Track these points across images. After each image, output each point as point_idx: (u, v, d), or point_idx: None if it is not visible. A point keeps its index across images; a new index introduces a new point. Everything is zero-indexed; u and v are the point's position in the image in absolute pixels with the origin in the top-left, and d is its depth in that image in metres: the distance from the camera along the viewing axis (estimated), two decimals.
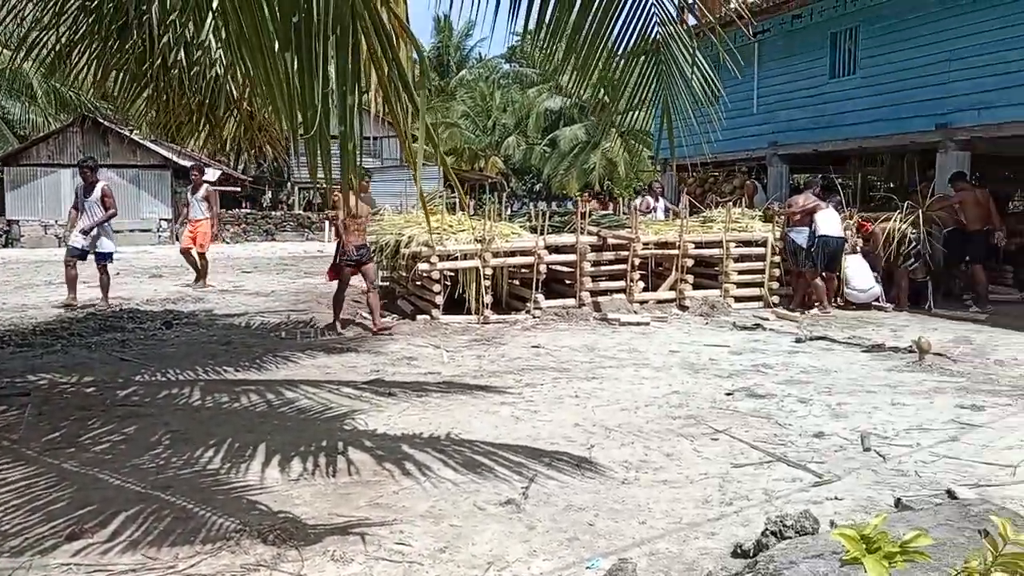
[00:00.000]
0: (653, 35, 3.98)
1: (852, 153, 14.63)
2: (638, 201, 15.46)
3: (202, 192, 12.96)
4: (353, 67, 2.83)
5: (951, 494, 3.94)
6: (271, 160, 27.67)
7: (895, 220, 10.83)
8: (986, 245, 11.21)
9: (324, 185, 6.15)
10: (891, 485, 4.23)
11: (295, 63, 2.76)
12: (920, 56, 11.93)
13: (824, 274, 10.57)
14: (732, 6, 17.62)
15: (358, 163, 2.78)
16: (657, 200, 14.91)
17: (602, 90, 4.31)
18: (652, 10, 3.82)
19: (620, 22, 3.96)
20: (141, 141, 25.06)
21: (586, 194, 21.79)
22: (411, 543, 3.44)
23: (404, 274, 10.31)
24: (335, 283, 9.21)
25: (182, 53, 4.95)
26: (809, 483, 4.27)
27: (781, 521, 3.18)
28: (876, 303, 10.83)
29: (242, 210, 30.54)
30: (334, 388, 6.28)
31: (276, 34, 2.81)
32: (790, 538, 2.87)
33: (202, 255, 12.87)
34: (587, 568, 3.20)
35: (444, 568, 3.22)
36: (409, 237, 9.82)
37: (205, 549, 3.36)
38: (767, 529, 3.18)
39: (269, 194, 36.54)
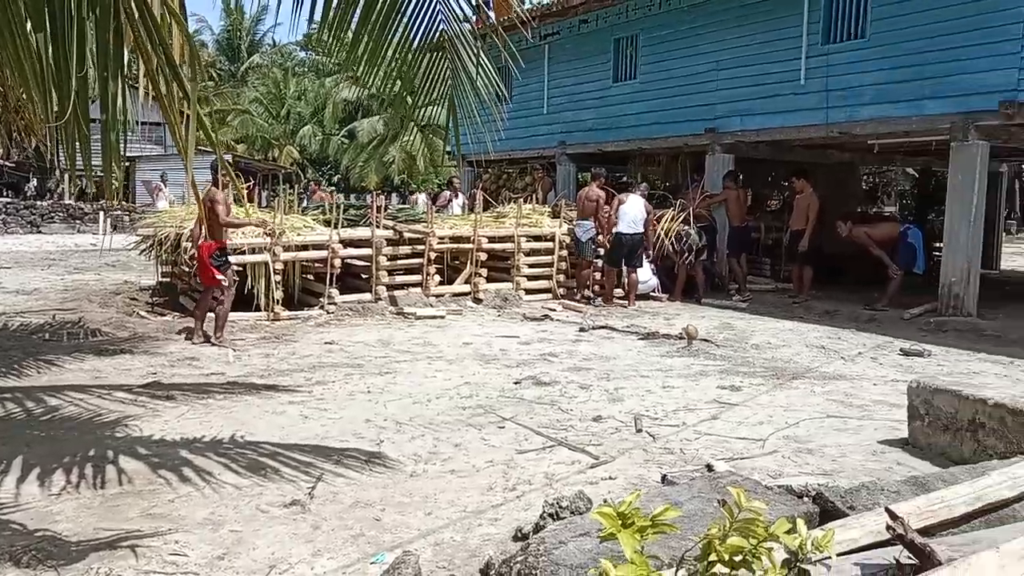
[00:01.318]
0: (439, 32, 4.03)
1: (633, 153, 15.58)
2: (422, 197, 15.65)
3: None
4: (116, 50, 2.65)
5: (709, 468, 4.34)
6: (35, 145, 25.11)
7: (667, 219, 11.68)
8: (747, 239, 12.39)
9: (100, 175, 5.57)
10: (659, 463, 4.58)
11: (49, 46, 2.54)
12: (691, 65, 12.93)
13: (624, 268, 11.16)
14: (525, 6, 18.17)
15: (121, 152, 2.61)
16: (456, 195, 15.13)
17: (393, 83, 4.29)
18: (438, 8, 3.88)
19: (406, 18, 3.98)
20: None
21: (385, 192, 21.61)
22: (187, 552, 3.30)
23: (187, 269, 9.75)
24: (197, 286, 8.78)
25: None
26: (587, 465, 4.54)
27: (557, 503, 3.36)
28: (653, 294, 11.63)
29: (1, 199, 27.50)
30: (105, 393, 5.84)
31: (27, 11, 2.58)
32: (565, 519, 3.04)
33: None
34: (372, 563, 3.22)
35: (222, 575, 3.11)
36: (191, 230, 9.28)
37: None
38: (544, 512, 3.35)
39: (34, 182, 33.14)
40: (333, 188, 34.20)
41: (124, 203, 27.22)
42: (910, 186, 25.65)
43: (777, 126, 11.77)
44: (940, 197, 10.64)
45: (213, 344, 7.90)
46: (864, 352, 8.02)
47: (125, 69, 2.83)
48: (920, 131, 10.34)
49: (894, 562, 2.35)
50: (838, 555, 2.33)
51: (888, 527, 2.30)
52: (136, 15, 2.71)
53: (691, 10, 12.93)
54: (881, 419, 5.53)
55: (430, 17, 4.08)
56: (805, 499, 3.05)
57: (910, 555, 2.33)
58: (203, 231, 7.98)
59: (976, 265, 9.81)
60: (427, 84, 4.43)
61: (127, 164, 27.17)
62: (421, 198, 21.14)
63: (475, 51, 4.26)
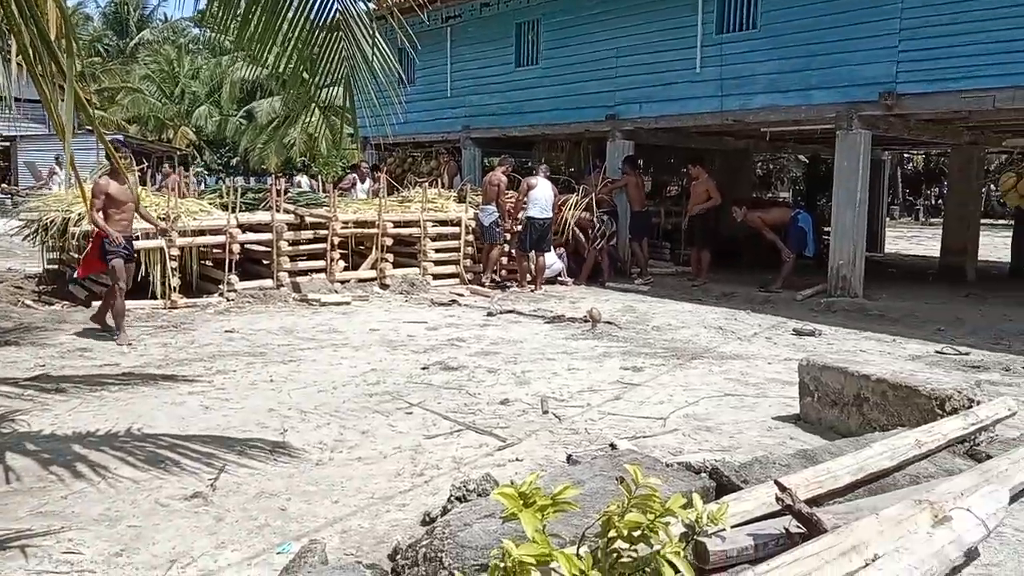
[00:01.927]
0: (333, 11, 3.96)
1: (537, 138, 15.69)
2: (304, 180, 15.38)
3: None
4: None
5: (613, 446, 4.46)
6: None
7: (571, 204, 11.84)
8: (648, 224, 12.70)
9: None
10: (565, 443, 4.68)
11: None
12: (592, 52, 13.08)
13: (533, 252, 11.24)
14: None
15: None
16: (363, 180, 14.91)
17: (289, 63, 4.18)
18: None
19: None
20: None
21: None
22: (82, 550, 3.18)
23: (76, 256, 9.29)
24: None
25: None
26: (495, 448, 4.59)
27: (464, 486, 3.40)
28: (559, 278, 11.80)
29: None
30: None
31: None
32: (471, 501, 3.08)
33: None
34: (277, 553, 3.18)
35: (120, 572, 3.02)
36: (79, 214, 8.87)
37: None
38: (452, 495, 3.38)
39: None
40: (196, 169, 32.96)
41: (5, 186, 25.67)
42: (801, 173, 26.76)
43: (675, 113, 12.06)
44: (830, 183, 11.15)
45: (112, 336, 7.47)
46: (759, 332, 8.36)
47: None
48: (808, 119, 10.80)
49: (784, 531, 2.49)
50: (732, 527, 2.46)
51: (777, 498, 2.43)
52: None
53: None
54: (775, 396, 5.79)
55: None
56: (702, 474, 3.18)
57: (798, 524, 2.47)
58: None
59: (861, 248, 10.33)
60: (324, 64, 4.35)
61: (6, 144, 25.58)
62: (304, 180, 20.68)
63: (370, 31, 4.20)
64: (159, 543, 3.27)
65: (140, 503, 3.65)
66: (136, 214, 7.78)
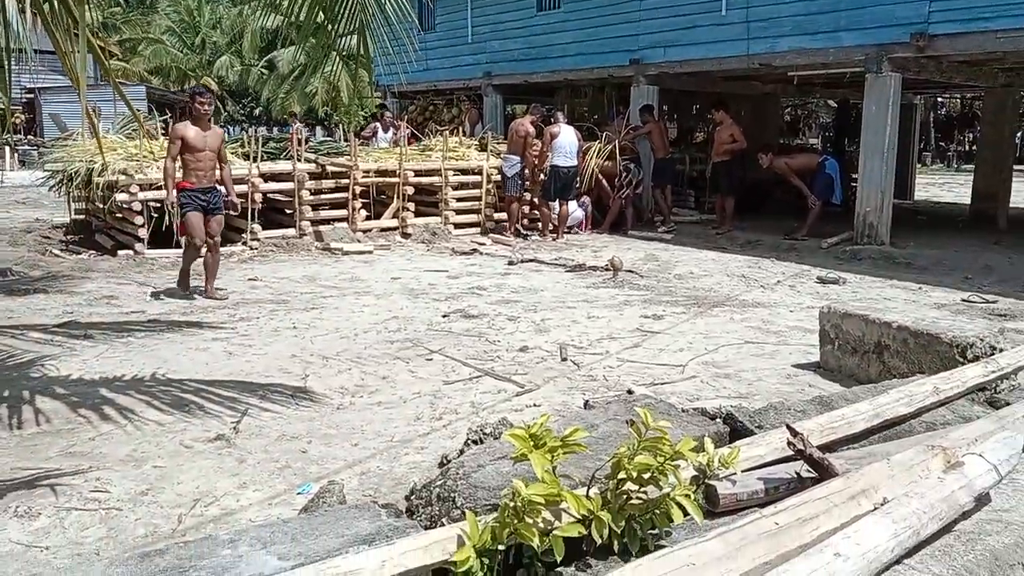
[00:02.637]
0: None
1: (559, 85, 15.48)
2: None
3: None
4: None
5: (630, 392, 4.48)
6: None
7: (594, 152, 11.72)
8: (672, 171, 12.55)
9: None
10: (583, 389, 4.71)
11: None
12: None
13: (557, 201, 11.17)
14: None
15: (8, 79, 2.48)
16: (386, 129, 14.81)
17: (304, 11, 4.14)
18: None
19: None
20: None
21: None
22: (109, 489, 3.28)
23: (101, 205, 9.40)
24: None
25: None
26: (513, 393, 4.63)
27: (481, 430, 3.44)
28: (576, 229, 11.73)
29: None
30: (18, 333, 5.67)
31: None
32: (486, 443, 3.11)
33: None
34: (298, 494, 3.25)
35: (146, 510, 3.11)
36: (103, 164, 8.93)
37: None
38: (468, 439, 3.42)
39: None
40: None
41: (32, 137, 25.88)
42: (830, 119, 26.22)
43: (700, 57, 11.81)
44: (859, 129, 10.91)
45: (206, 295, 7.09)
46: (783, 280, 8.30)
47: None
48: (836, 63, 10.53)
49: (795, 475, 2.50)
50: (744, 471, 2.47)
51: (789, 443, 2.43)
52: None
53: None
54: (796, 344, 5.77)
55: None
56: (717, 420, 3.19)
57: (810, 468, 2.48)
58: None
59: (889, 195, 10.16)
60: (341, 11, 4.29)
61: (30, 96, 25.71)
62: (317, 131, 20.49)
63: None
64: (183, 483, 3.35)
65: (165, 445, 3.74)
66: (218, 170, 7.15)
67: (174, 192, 6.89)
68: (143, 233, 8.99)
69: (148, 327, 6.03)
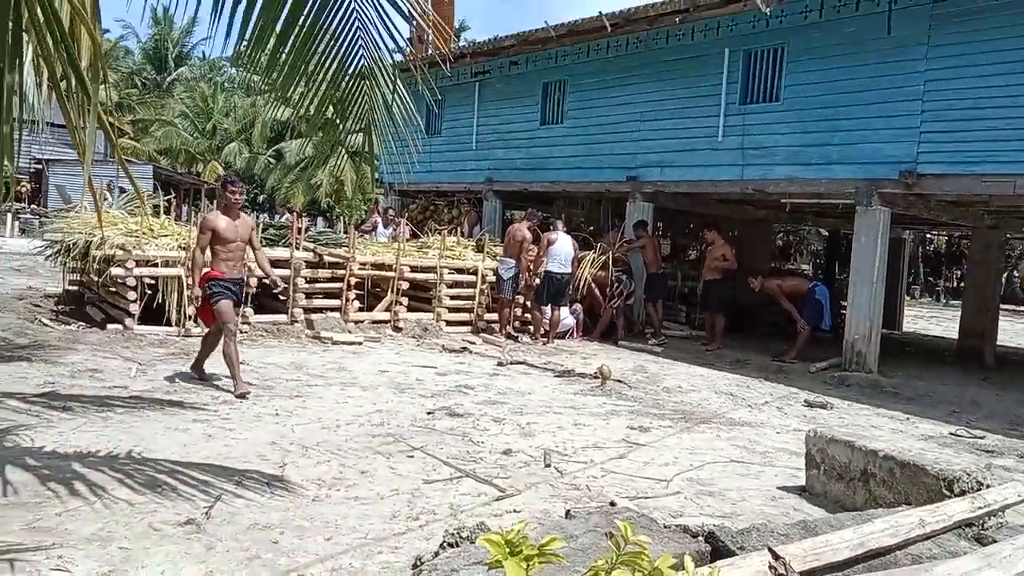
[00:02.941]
0: (359, 59, 4.06)
1: (558, 195, 15.84)
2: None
3: None
4: (14, 43, 2.56)
5: (613, 504, 4.40)
6: None
7: (588, 262, 11.92)
8: (664, 286, 12.72)
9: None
10: (565, 498, 4.62)
11: None
12: (616, 114, 13.27)
13: (549, 306, 11.26)
14: (460, 43, 18.43)
15: (16, 149, 2.52)
16: (387, 225, 15.06)
17: (319, 106, 4.28)
18: (359, 36, 3.90)
19: (324, 42, 3.98)
20: None
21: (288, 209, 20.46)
22: (71, 568, 3.16)
23: (95, 278, 9.42)
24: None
25: None
26: (493, 497, 4.54)
27: (458, 533, 3.35)
28: (570, 335, 11.79)
29: None
30: None
31: None
32: (462, 547, 3.04)
33: None
34: None
35: None
36: (102, 238, 9.01)
37: None
38: (444, 541, 3.33)
39: None
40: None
41: (35, 206, 26.16)
42: (822, 247, 26.76)
43: (695, 179, 12.17)
44: (849, 258, 11.14)
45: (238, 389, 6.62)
46: (770, 401, 8.28)
47: (24, 61, 2.74)
48: (829, 193, 10.85)
49: None
50: None
51: (771, 567, 2.39)
52: (39, 14, 2.62)
53: (616, 61, 13.30)
54: (782, 466, 5.71)
55: (350, 42, 4.09)
56: (699, 538, 3.13)
57: None
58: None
59: (878, 324, 10.28)
60: (350, 109, 4.43)
61: (39, 166, 26.14)
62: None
63: (393, 81, 4.29)
64: (148, 567, 3.24)
65: (133, 525, 3.64)
66: (253, 258, 7.17)
67: (197, 288, 6.69)
68: (135, 308, 8.98)
69: (129, 403, 5.95)
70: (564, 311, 11.58)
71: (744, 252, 14.53)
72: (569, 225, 13.17)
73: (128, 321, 8.97)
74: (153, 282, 9.14)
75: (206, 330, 7.12)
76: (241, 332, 9.42)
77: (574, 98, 14.22)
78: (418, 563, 3.41)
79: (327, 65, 3.92)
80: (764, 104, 11.25)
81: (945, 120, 9.32)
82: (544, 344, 11.01)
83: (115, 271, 8.93)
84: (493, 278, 11.51)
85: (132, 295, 8.98)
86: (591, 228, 14.87)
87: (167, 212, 10.95)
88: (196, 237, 6.89)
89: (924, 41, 9.47)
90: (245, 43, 3.65)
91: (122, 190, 16.70)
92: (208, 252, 6.75)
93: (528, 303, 11.69)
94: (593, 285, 11.99)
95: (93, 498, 3.92)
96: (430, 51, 16.23)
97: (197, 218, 9.96)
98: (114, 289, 9.30)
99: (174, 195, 13.93)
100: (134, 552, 3.37)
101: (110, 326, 9.02)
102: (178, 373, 7.18)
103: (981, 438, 7.07)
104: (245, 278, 6.95)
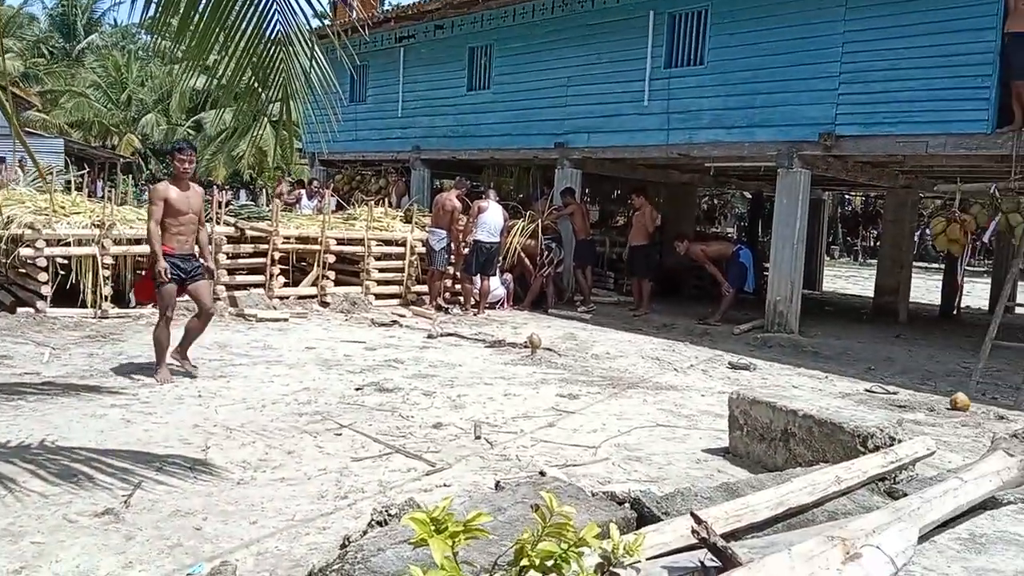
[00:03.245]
0: (275, 25, 3.92)
1: (487, 163, 15.74)
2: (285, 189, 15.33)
3: None
4: None
5: (542, 474, 4.43)
6: None
7: (518, 230, 11.90)
8: (593, 253, 12.81)
9: None
10: (495, 469, 4.64)
11: None
12: (543, 79, 13.19)
13: (479, 276, 11.20)
14: (383, 7, 18.03)
15: None
16: (311, 197, 14.73)
17: (230, 74, 4.12)
18: (274, 4, 3.77)
19: (236, 7, 3.83)
20: None
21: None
22: None
23: (3, 260, 8.99)
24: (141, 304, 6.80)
25: None
26: (423, 472, 4.53)
27: (386, 511, 3.32)
28: (500, 305, 11.80)
29: None
30: None
31: None
32: (390, 526, 3.02)
33: None
34: (188, 575, 3.07)
35: None
36: (8, 217, 8.59)
37: None
38: (372, 520, 3.30)
39: None
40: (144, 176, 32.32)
41: None
42: (746, 209, 27.32)
43: (622, 144, 12.22)
44: (771, 220, 11.40)
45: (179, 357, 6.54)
46: (696, 364, 8.45)
47: None
48: (751, 156, 11.03)
49: (699, 564, 2.49)
50: (648, 558, 2.45)
51: (693, 531, 2.43)
52: None
53: (543, 24, 13.18)
54: (706, 428, 5.84)
55: (266, 6, 3.96)
56: (625, 505, 3.17)
57: (713, 557, 2.47)
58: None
59: (799, 285, 10.56)
60: (270, 77, 4.29)
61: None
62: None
63: (310, 47, 4.16)
64: (62, 561, 3.13)
65: (47, 518, 3.51)
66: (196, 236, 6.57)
67: (163, 261, 6.20)
68: (46, 291, 8.61)
69: (42, 390, 5.72)
70: (495, 281, 11.56)
71: (670, 216, 14.72)
72: (499, 192, 13.12)
73: (40, 304, 8.61)
74: (66, 262, 8.78)
75: (124, 310, 6.85)
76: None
77: (501, 63, 14.06)
78: (345, 543, 3.38)
79: (243, 29, 3.77)
80: (689, 68, 11.33)
81: (862, 82, 9.55)
82: (475, 315, 10.99)
83: (24, 252, 8.54)
84: (423, 249, 11.40)
85: (43, 276, 8.61)
86: (520, 196, 14.85)
87: (79, 188, 10.49)
88: (148, 210, 6.43)
89: (842, 2, 9.64)
90: (155, 6, 3.49)
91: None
92: (158, 227, 6.27)
93: (458, 274, 11.63)
94: (523, 254, 11.99)
95: (3, 491, 3.76)
96: (354, 15, 15.85)
97: (113, 195, 9.56)
98: (24, 271, 8.89)
99: (88, 170, 13.32)
100: (48, 546, 3.25)
101: (20, 309, 8.64)
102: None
103: (894, 394, 7.36)
104: (196, 252, 6.50)
